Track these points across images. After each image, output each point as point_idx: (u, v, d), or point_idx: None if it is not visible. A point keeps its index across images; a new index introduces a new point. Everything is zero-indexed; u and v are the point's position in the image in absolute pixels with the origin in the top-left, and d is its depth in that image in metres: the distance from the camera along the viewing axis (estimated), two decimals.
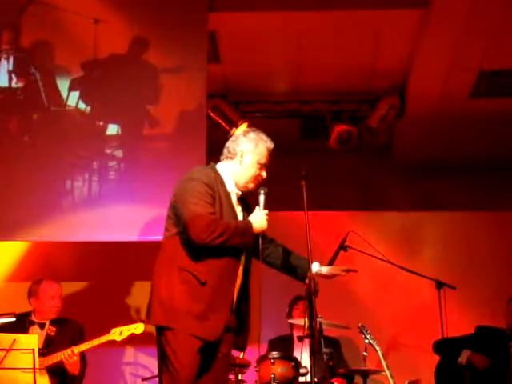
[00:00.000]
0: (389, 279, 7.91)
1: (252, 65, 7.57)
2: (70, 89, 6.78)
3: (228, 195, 4.11)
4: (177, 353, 3.91)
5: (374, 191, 8.96)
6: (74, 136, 6.72)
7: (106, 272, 7.88)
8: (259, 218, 4.04)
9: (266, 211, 4.06)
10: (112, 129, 6.80)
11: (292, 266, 4.30)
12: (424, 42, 7.01)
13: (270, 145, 4.19)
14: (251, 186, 4.13)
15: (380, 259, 6.28)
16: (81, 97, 6.78)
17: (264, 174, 4.13)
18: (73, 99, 6.77)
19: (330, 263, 5.07)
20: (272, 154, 4.19)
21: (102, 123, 6.80)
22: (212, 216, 3.94)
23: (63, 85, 6.78)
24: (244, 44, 7.23)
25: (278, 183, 8.04)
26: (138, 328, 5.60)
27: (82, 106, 6.79)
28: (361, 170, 8.97)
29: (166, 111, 6.74)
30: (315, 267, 4.29)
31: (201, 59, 6.73)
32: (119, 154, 6.75)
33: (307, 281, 4.19)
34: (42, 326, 6.01)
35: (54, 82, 6.79)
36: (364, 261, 6.26)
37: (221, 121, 7.97)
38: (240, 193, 4.20)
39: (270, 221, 4.19)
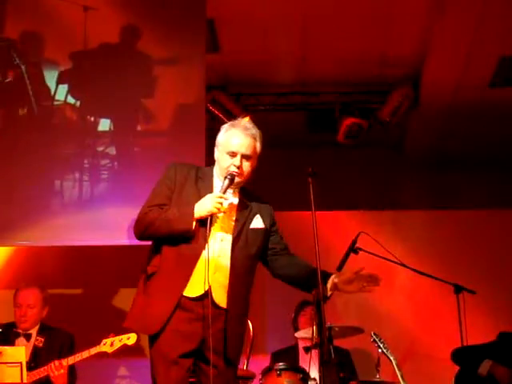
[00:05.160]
0: (403, 283, 7.92)
1: (254, 54, 7.59)
2: (59, 82, 6.75)
3: (208, 190, 4.18)
4: (151, 360, 4.12)
5: (386, 189, 8.97)
6: (63, 132, 6.69)
7: (98, 278, 7.88)
8: (203, 200, 4.09)
9: (220, 194, 4.08)
10: (104, 124, 6.78)
11: (309, 283, 4.17)
12: (440, 28, 7.00)
13: (232, 130, 4.25)
14: (224, 176, 4.17)
15: (393, 262, 6.30)
16: (70, 90, 6.75)
17: (236, 161, 4.17)
18: (61, 93, 6.75)
19: (340, 267, 5.08)
20: (245, 140, 4.20)
21: (92, 118, 6.78)
22: (146, 209, 4.16)
23: (51, 78, 6.75)
24: (245, 31, 7.25)
25: (283, 180, 8.11)
26: (130, 339, 5.60)
27: (71, 100, 6.77)
28: (372, 166, 8.99)
29: (162, 105, 6.71)
30: (333, 280, 4.27)
31: (199, 48, 6.71)
32: (112, 151, 6.73)
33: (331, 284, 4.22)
34: (27, 336, 6.04)
35: (41, 75, 6.77)
36: (376, 264, 6.28)
37: (221, 114, 8.00)
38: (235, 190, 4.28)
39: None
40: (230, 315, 4.11)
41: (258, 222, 4.29)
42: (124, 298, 7.83)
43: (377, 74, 7.95)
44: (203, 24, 6.82)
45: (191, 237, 4.07)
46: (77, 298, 7.92)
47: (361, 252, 6.09)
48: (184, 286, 4.05)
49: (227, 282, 4.12)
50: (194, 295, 4.05)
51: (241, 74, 7.94)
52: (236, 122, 4.34)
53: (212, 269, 4.05)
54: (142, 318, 4.10)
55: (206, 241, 4.03)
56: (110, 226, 6.45)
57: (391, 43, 7.44)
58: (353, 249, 6.10)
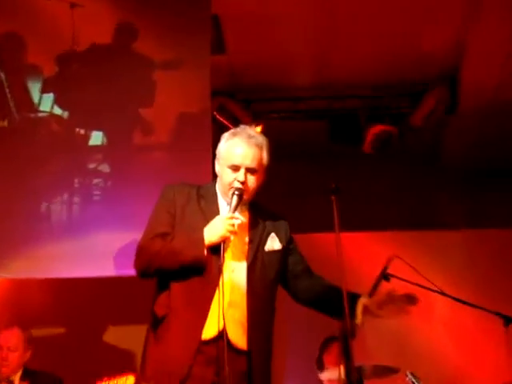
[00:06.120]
0: (443, 315, 7.91)
1: (266, 54, 7.54)
2: (43, 90, 6.79)
3: (213, 210, 4.21)
4: None
5: (420, 206, 8.95)
6: (49, 148, 6.71)
7: (89, 315, 7.89)
8: (213, 224, 4.08)
9: (230, 214, 4.07)
10: (96, 138, 6.80)
11: (337, 306, 4.15)
12: (479, 21, 6.97)
13: (234, 139, 4.25)
14: (230, 194, 4.15)
15: (431, 290, 6.30)
16: (56, 100, 6.79)
17: (240, 176, 4.15)
18: (46, 103, 6.79)
19: (369, 296, 5.07)
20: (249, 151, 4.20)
21: (83, 131, 6.79)
22: (147, 240, 4.14)
23: (34, 86, 6.78)
24: (255, 29, 7.20)
25: (302, 198, 8.12)
26: (128, 380, 5.63)
27: (57, 110, 6.81)
28: (403, 180, 8.96)
29: (162, 114, 6.74)
30: (364, 301, 4.28)
31: (203, 49, 6.75)
32: (105, 168, 6.76)
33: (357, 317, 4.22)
34: (10, 383, 6.09)
35: (24, 83, 6.80)
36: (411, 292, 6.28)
37: (229, 124, 8.01)
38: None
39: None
40: (254, 357, 4.09)
41: (273, 243, 4.30)
42: (118, 336, 7.87)
43: (408, 75, 7.88)
44: (208, 21, 6.83)
45: (203, 268, 4.06)
46: (64, 338, 7.94)
47: (393, 279, 6.08)
48: (201, 328, 4.03)
49: (244, 318, 4.11)
50: (207, 337, 4.04)
51: (251, 77, 7.90)
52: (238, 129, 4.35)
53: (225, 304, 4.01)
54: (159, 371, 4.06)
55: (220, 271, 4.00)
56: (104, 255, 6.42)
57: (424, 38, 7.35)
58: (384, 275, 6.10)
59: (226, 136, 4.32)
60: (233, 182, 4.16)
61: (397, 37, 7.34)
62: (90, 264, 6.47)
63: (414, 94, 8.14)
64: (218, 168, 4.29)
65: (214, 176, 4.49)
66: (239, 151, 4.19)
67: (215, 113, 7.84)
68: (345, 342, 4.15)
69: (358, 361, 5.25)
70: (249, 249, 4.21)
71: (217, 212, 4.21)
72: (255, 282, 4.16)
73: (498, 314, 6.60)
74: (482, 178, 8.91)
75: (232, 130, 4.37)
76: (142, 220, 4.34)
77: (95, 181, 6.77)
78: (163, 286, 4.17)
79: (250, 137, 4.23)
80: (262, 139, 4.27)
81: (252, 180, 4.20)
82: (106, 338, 7.94)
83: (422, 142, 8.49)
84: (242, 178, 4.15)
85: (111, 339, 7.92)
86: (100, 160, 6.80)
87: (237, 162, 4.17)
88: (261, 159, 4.23)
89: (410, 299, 4.24)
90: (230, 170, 4.18)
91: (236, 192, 4.12)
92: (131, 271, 5.88)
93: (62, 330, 7.99)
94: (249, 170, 4.18)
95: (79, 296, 7.77)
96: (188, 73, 6.76)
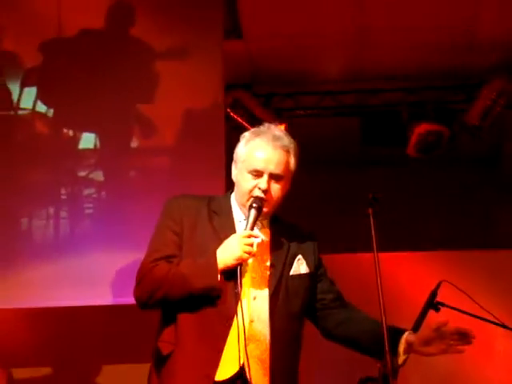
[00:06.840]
0: (506, 350, 7.91)
1: (289, 39, 7.69)
2: (24, 84, 6.87)
3: (228, 227, 4.17)
4: None
5: (476, 221, 8.91)
6: (32, 152, 6.74)
7: (80, 352, 7.94)
8: (227, 243, 4.02)
9: (248, 232, 4.01)
10: (87, 140, 6.87)
11: (375, 344, 4.04)
12: None
13: (256, 140, 4.20)
14: (248, 206, 4.08)
15: (490, 322, 6.24)
16: (39, 95, 6.87)
17: (262, 184, 4.09)
18: (28, 99, 6.86)
19: (415, 329, 5.02)
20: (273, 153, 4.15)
21: (71, 132, 6.90)
22: (150, 264, 4.07)
23: (14, 78, 6.89)
24: (276, 10, 7.29)
25: (332, 212, 8.08)
26: None
27: (41, 107, 6.89)
28: (455, 190, 8.94)
29: (166, 112, 6.78)
30: (407, 338, 4.17)
31: (214, 34, 6.87)
32: (98, 176, 6.81)
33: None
34: None
35: (1, 75, 6.89)
36: (465, 324, 6.22)
37: (245, 123, 7.99)
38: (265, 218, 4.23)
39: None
40: None
41: (300, 266, 4.23)
42: (115, 377, 7.88)
43: (461, 62, 7.95)
44: (220, 2, 6.89)
45: (216, 296, 4.00)
46: (51, 380, 7.97)
47: (443, 308, 6.02)
48: (215, 368, 3.98)
49: (266, 355, 4.06)
50: (221, 378, 3.99)
51: (272, 66, 8.01)
52: (261, 128, 4.26)
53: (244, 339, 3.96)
54: None
55: (237, 300, 3.94)
56: (97, 280, 6.45)
57: (480, 18, 7.40)
58: (432, 304, 6.03)
59: (246, 136, 4.24)
60: (253, 189, 4.10)
61: (447, 15, 7.38)
62: (81, 291, 6.48)
63: (468, 85, 8.09)
64: (235, 173, 4.22)
65: (228, 185, 4.45)
66: (263, 154, 4.13)
67: (229, 109, 7.83)
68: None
69: None
70: (271, 274, 4.14)
71: (232, 229, 4.16)
72: (279, 314, 4.10)
73: None
74: None
75: (254, 129, 4.30)
76: (143, 238, 4.25)
77: (86, 191, 6.82)
78: (169, 319, 4.10)
79: (275, 138, 4.16)
80: (289, 141, 4.19)
81: (276, 188, 4.13)
82: (101, 379, 7.90)
83: (479, 144, 8.42)
84: (264, 186, 4.08)
85: (106, 381, 7.88)
86: (92, 166, 6.85)
87: (259, 166, 4.11)
88: (287, 164, 4.16)
89: (464, 336, 4.15)
90: (250, 176, 4.12)
91: (254, 204, 4.05)
92: (130, 300, 5.85)
93: (47, 370, 8.00)
94: (273, 177, 4.11)
95: (68, 330, 7.75)
96: (196, 62, 6.81)
